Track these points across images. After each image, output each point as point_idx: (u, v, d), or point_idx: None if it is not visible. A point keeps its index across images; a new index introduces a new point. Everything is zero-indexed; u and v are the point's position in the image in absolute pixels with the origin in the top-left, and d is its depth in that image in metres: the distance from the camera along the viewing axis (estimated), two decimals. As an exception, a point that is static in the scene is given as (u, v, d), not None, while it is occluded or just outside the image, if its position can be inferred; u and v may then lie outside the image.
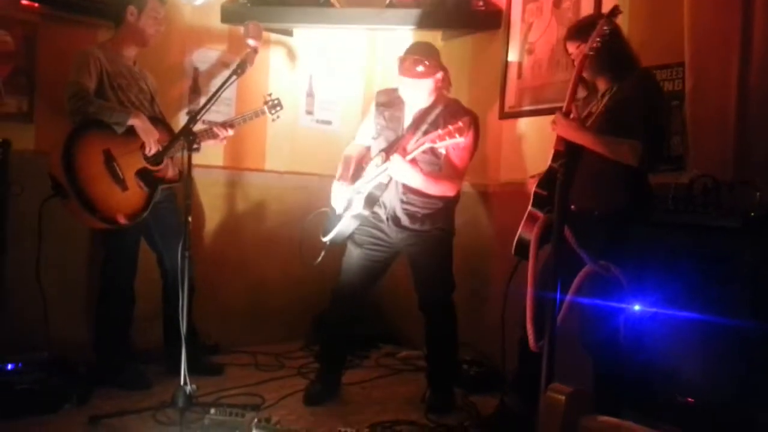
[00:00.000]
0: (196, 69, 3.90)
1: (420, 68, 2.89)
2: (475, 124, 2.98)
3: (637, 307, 2.19)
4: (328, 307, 3.27)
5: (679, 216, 2.27)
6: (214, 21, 3.90)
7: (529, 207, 2.62)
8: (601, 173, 2.45)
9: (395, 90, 3.06)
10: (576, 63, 2.56)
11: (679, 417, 2.00)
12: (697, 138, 2.69)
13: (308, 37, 4.34)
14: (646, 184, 2.49)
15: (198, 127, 3.07)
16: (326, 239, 3.09)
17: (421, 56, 2.90)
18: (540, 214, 2.51)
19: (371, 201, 2.97)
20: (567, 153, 2.44)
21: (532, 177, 2.74)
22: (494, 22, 3.80)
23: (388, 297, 4.19)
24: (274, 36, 4.16)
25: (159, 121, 3.16)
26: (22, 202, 3.01)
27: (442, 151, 2.90)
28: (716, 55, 2.61)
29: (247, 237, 4.11)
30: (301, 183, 4.24)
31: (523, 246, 2.61)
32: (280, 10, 3.89)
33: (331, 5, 3.92)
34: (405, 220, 3.01)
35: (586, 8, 3.26)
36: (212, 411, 2.42)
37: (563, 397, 1.60)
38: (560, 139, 2.50)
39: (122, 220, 2.97)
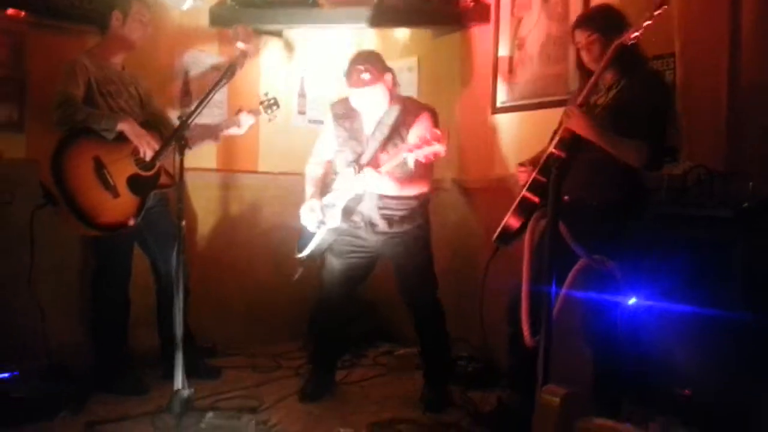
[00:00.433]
0: (186, 72, 3.89)
1: (366, 76, 2.90)
2: (434, 117, 3.01)
3: (632, 300, 2.18)
4: (314, 317, 3.30)
5: (673, 207, 2.27)
6: (204, 23, 3.89)
7: (524, 192, 2.58)
8: (601, 166, 2.44)
9: (349, 100, 3.06)
10: (585, 51, 2.53)
11: (676, 409, 2.00)
12: (690, 129, 2.68)
13: (298, 37, 4.33)
14: (642, 178, 2.49)
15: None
16: (302, 255, 3.09)
17: (364, 65, 2.91)
18: (535, 198, 2.48)
19: (348, 213, 2.99)
20: (571, 143, 2.42)
21: (521, 164, 2.73)
22: (483, 17, 3.79)
23: (385, 295, 4.18)
24: (265, 37, 4.14)
25: (150, 125, 3.14)
26: (13, 211, 3.00)
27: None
28: (706, 45, 2.61)
29: (241, 239, 4.10)
30: (295, 183, 4.17)
31: (507, 234, 2.60)
32: (268, 12, 3.88)
33: (319, 6, 3.91)
34: (383, 225, 3.02)
35: (575, 3, 3.25)
36: (210, 415, 2.41)
37: (558, 399, 1.59)
38: (558, 142, 2.47)
39: (113, 228, 2.95)
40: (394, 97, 3.03)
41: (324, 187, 3.12)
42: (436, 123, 2.99)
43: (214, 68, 3.93)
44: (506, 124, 3.70)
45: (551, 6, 3.40)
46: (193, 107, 2.75)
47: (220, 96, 3.91)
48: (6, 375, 2.81)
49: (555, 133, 2.86)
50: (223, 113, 3.93)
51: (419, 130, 2.89)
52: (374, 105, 2.99)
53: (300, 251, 3.10)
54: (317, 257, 3.10)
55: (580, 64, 2.64)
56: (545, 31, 3.43)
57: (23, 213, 2.93)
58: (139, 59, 3.40)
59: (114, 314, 3.19)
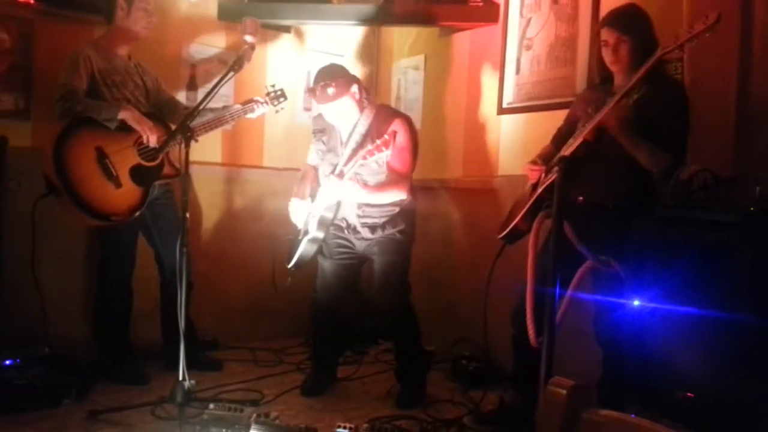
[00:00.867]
0: (192, 65, 3.89)
1: (331, 90, 2.91)
2: (407, 124, 3.01)
3: (636, 303, 2.19)
4: (311, 319, 3.32)
5: (679, 211, 2.27)
6: (211, 16, 3.89)
7: (539, 191, 2.58)
8: (621, 169, 2.45)
9: None
10: (611, 51, 2.51)
11: (679, 412, 2.00)
12: (697, 133, 2.68)
13: (306, 33, 4.33)
14: (653, 182, 2.50)
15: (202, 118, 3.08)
16: (290, 265, 3.11)
17: (327, 80, 2.92)
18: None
19: (324, 223, 3.01)
20: (594, 144, 2.43)
21: (533, 162, 2.72)
22: (492, 17, 3.79)
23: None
24: (272, 32, 4.15)
25: (154, 117, 3.14)
26: (19, 199, 3.00)
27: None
28: (715, 49, 2.60)
29: (245, 233, 4.10)
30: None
31: (516, 233, 2.61)
32: (277, 7, 3.89)
33: (329, 1, 3.91)
34: (365, 232, 3.05)
35: (585, 4, 3.26)
36: (211, 406, 2.41)
37: (564, 391, 1.59)
38: (592, 131, 2.44)
39: (116, 218, 2.95)
40: (366, 105, 3.04)
41: (314, 192, 3.15)
42: (410, 130, 3.01)
43: (221, 60, 3.94)
44: (512, 125, 3.70)
45: (561, 7, 3.40)
46: (199, 100, 2.75)
47: (226, 89, 3.90)
48: (9, 362, 2.82)
49: (559, 130, 2.86)
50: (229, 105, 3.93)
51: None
52: (345, 117, 3.01)
53: (289, 261, 3.12)
54: (302, 267, 3.12)
55: (600, 60, 2.62)
56: (554, 32, 3.43)
57: (29, 202, 2.93)
58: (146, 50, 3.40)
59: (117, 304, 3.21)
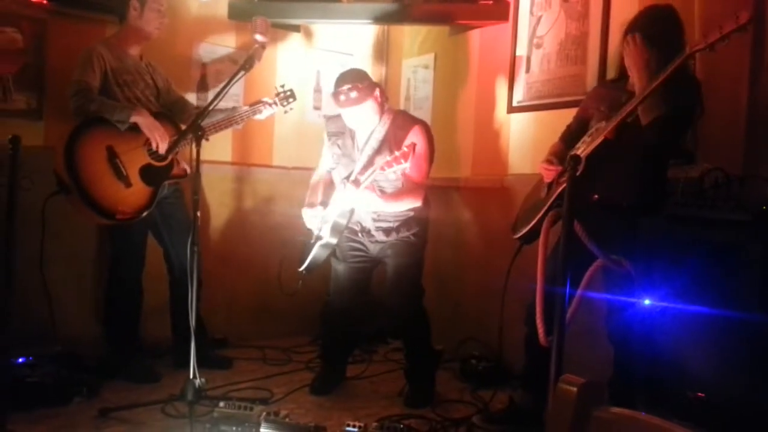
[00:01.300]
0: (203, 64, 3.91)
1: (354, 94, 2.90)
2: (425, 132, 3.01)
3: (647, 301, 2.18)
4: (323, 320, 3.33)
5: (690, 210, 2.25)
6: (222, 15, 3.91)
7: (558, 191, 2.55)
8: (636, 168, 2.45)
9: (342, 117, 3.06)
10: (633, 56, 2.43)
11: (689, 411, 1.99)
12: (708, 132, 2.67)
13: (316, 32, 4.34)
14: (666, 181, 2.48)
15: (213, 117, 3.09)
16: (302, 269, 3.11)
17: (351, 83, 2.91)
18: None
19: (337, 229, 3.00)
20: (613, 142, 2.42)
21: (548, 161, 2.69)
22: (502, 15, 3.78)
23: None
24: (281, 31, 4.16)
25: (164, 116, 3.16)
26: (31, 198, 3.02)
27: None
28: (727, 47, 2.58)
29: (254, 232, 4.11)
30: (308, 178, 4.20)
31: (533, 233, 2.60)
32: (287, 6, 3.90)
33: (339, 0, 3.92)
34: (380, 235, 3.05)
35: (596, 3, 3.24)
36: (221, 404, 2.42)
37: (575, 389, 1.59)
38: (613, 129, 2.41)
39: (124, 217, 2.97)
40: (385, 110, 3.03)
41: (325, 199, 3.15)
42: (427, 138, 3.00)
43: (231, 60, 3.95)
44: (522, 124, 3.69)
45: (571, 5, 3.38)
46: (210, 99, 2.76)
47: (236, 88, 3.92)
48: (21, 360, 2.84)
49: (568, 128, 2.85)
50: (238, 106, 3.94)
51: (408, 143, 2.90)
52: (365, 121, 3.00)
53: (300, 265, 3.12)
54: (314, 270, 3.12)
55: (620, 60, 2.59)
56: (564, 31, 3.42)
57: (41, 200, 2.95)
58: (157, 50, 3.42)
59: (127, 303, 3.22)
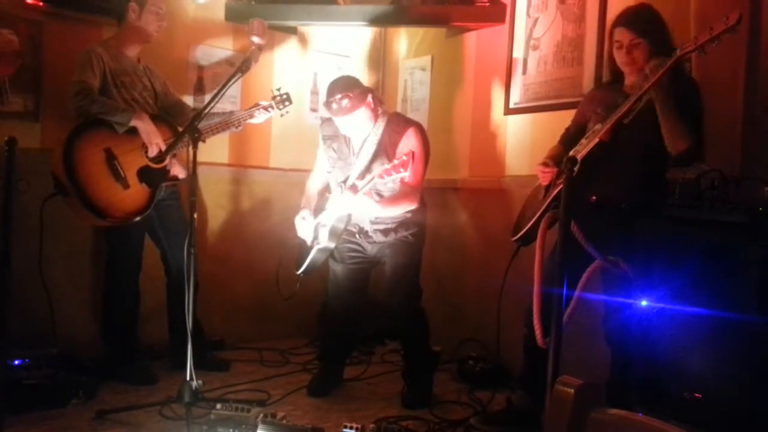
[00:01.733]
0: (200, 67, 3.91)
1: (346, 103, 2.89)
2: (421, 135, 3.00)
3: (644, 303, 2.18)
4: (321, 321, 3.32)
5: (687, 211, 2.26)
6: (219, 18, 3.91)
7: (554, 193, 2.57)
8: (634, 168, 2.46)
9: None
10: (625, 52, 2.49)
11: (686, 412, 1.99)
12: (705, 133, 2.67)
13: (313, 34, 4.34)
14: (664, 182, 2.49)
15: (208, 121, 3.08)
16: (299, 272, 3.11)
17: (342, 92, 2.90)
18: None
19: (334, 233, 3.00)
20: (609, 144, 2.45)
21: (545, 164, 2.71)
22: (499, 17, 3.79)
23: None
24: (278, 34, 4.16)
25: (161, 119, 3.16)
26: (28, 200, 3.01)
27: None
28: (723, 47, 2.58)
29: (251, 234, 4.11)
30: (305, 180, 4.21)
31: (532, 236, 2.60)
32: (284, 8, 3.90)
33: (336, 2, 3.92)
34: (378, 236, 3.06)
35: (592, 4, 3.25)
36: (218, 406, 2.41)
37: (572, 390, 1.59)
38: (608, 131, 2.44)
39: (123, 219, 2.96)
40: (379, 114, 3.03)
41: (321, 203, 3.15)
42: (423, 141, 3.00)
43: (228, 62, 3.95)
44: (519, 125, 3.70)
45: (568, 7, 3.39)
46: (206, 101, 2.76)
47: (233, 90, 3.92)
48: (18, 362, 2.83)
49: (567, 131, 2.86)
50: (236, 108, 3.93)
51: (404, 147, 2.92)
52: (359, 128, 3.00)
53: (298, 267, 3.12)
54: (311, 273, 3.12)
55: (611, 59, 2.61)
56: (561, 32, 3.43)
57: (38, 203, 2.94)
58: (154, 52, 3.42)
59: (125, 305, 3.22)
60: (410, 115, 3.89)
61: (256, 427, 2.31)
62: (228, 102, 3.91)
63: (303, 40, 4.32)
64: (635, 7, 2.61)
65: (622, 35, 2.50)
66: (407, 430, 2.67)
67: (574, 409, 1.57)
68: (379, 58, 4.69)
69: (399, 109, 4.40)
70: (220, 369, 3.42)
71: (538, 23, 3.57)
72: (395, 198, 2.97)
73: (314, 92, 4.40)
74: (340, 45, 4.47)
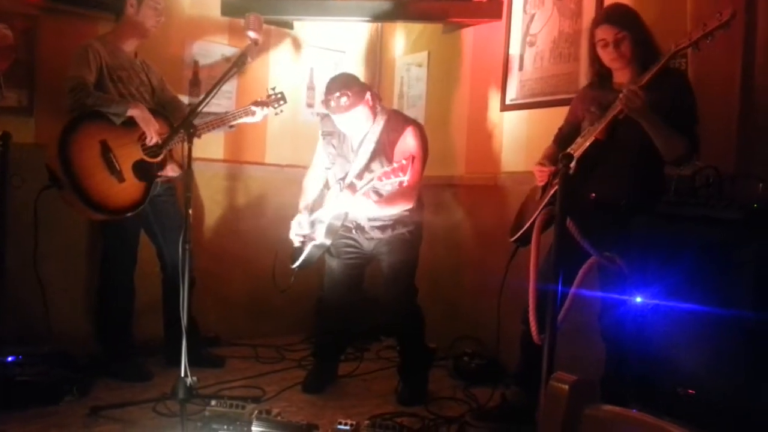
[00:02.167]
0: (196, 62, 3.89)
1: (345, 101, 2.88)
2: (419, 134, 2.99)
3: (639, 299, 2.18)
4: (317, 316, 3.32)
5: (682, 208, 2.26)
6: (215, 13, 3.89)
7: (551, 192, 2.57)
8: (632, 166, 2.47)
9: None
10: (611, 49, 2.50)
11: (681, 409, 2.00)
12: (700, 130, 2.66)
13: (309, 29, 4.33)
14: (661, 178, 2.49)
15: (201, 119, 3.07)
16: (294, 266, 3.11)
17: (341, 90, 2.89)
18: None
19: (331, 231, 2.99)
20: (605, 142, 2.46)
21: (541, 164, 2.72)
22: (495, 13, 3.78)
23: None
24: (274, 29, 4.14)
25: (158, 114, 3.15)
26: (22, 195, 3.00)
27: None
28: (719, 45, 2.58)
29: (247, 230, 4.10)
30: (301, 176, 4.19)
31: (529, 236, 2.60)
32: (280, 3, 3.90)
33: (332, -2, 3.91)
34: (375, 232, 3.05)
35: (589, 0, 3.24)
36: (213, 403, 2.41)
37: (566, 386, 1.59)
38: (603, 129, 2.46)
39: (117, 212, 2.95)
40: (378, 112, 3.02)
41: (320, 199, 3.14)
42: (422, 140, 2.99)
43: (224, 58, 3.94)
44: (515, 122, 3.69)
45: (564, 3, 3.39)
46: (202, 96, 2.75)
47: (229, 86, 3.92)
48: (11, 359, 2.82)
49: (560, 130, 2.86)
50: (232, 104, 3.93)
51: (403, 145, 2.92)
52: (358, 126, 2.99)
53: (293, 261, 3.11)
54: (306, 268, 3.12)
55: (596, 60, 2.62)
56: (557, 29, 3.42)
57: (32, 198, 2.93)
58: (150, 48, 3.41)
59: (119, 301, 3.21)
60: (406, 112, 3.88)
61: (250, 423, 2.31)
62: (224, 97, 3.90)
63: (299, 35, 4.30)
64: (612, 5, 2.68)
65: (606, 32, 2.53)
66: (402, 427, 2.67)
67: (568, 405, 1.57)
68: (376, 53, 4.68)
69: (395, 106, 4.40)
70: (215, 365, 3.41)
71: (535, 19, 3.57)
72: (392, 197, 2.96)
73: (310, 87, 4.39)
74: (336, 40, 4.46)
